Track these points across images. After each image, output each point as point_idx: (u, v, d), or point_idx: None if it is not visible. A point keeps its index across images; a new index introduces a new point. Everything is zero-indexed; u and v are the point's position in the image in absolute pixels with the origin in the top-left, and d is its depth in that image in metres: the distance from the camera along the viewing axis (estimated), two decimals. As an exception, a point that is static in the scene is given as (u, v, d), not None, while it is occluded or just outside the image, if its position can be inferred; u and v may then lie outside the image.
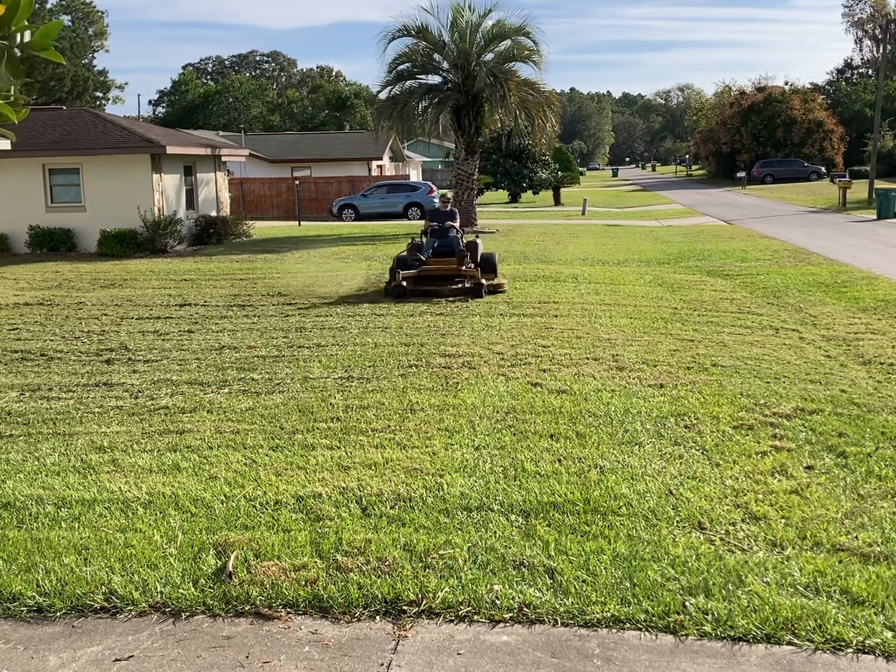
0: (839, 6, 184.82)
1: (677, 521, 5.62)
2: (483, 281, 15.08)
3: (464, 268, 15.34)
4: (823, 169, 66.31)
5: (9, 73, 2.91)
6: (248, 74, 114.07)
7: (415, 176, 54.95)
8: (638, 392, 8.72)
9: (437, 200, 40.24)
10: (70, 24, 76.75)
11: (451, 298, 14.87)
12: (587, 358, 10.28)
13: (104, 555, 5.25)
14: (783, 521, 5.62)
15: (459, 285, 15.35)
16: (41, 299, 15.95)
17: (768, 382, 9.13)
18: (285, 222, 37.17)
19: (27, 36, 3.02)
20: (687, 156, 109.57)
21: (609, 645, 4.30)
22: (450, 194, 16.91)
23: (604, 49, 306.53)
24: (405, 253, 15.94)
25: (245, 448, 7.22)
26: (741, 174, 64.31)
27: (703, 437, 7.30)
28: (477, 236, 16.60)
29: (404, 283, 14.95)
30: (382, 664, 4.16)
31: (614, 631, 4.41)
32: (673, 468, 6.59)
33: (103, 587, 4.85)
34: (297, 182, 39.37)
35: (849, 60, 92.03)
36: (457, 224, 16.66)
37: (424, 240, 16.51)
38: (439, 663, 4.17)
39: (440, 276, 15.51)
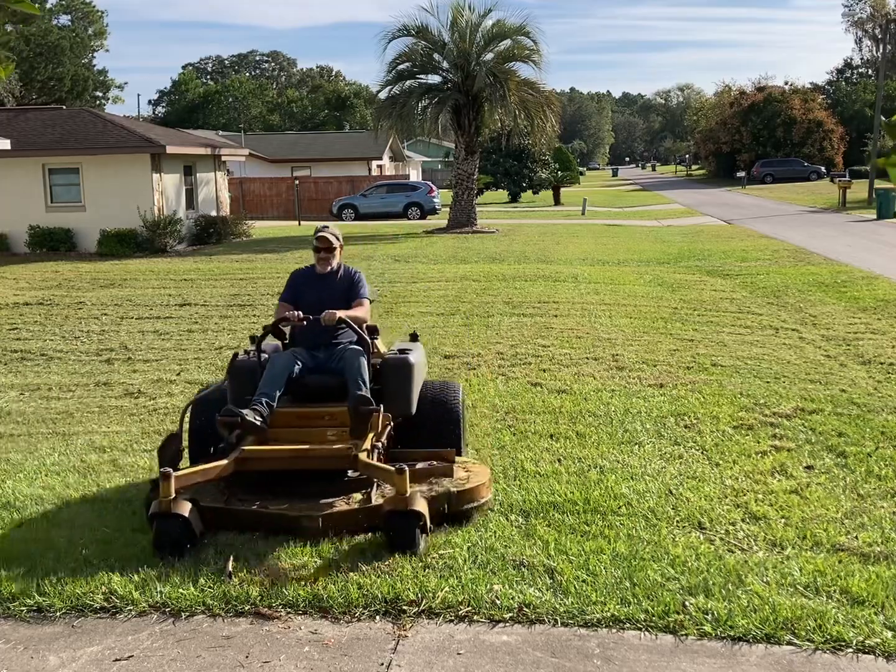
0: (839, 6, 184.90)
1: (677, 521, 5.62)
2: (416, 505, 5.18)
3: (365, 451, 5.57)
4: (823, 169, 66.26)
5: None
6: (247, 74, 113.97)
7: (415, 176, 54.94)
8: (638, 392, 8.72)
9: (437, 199, 40.18)
10: (70, 23, 76.71)
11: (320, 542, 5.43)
12: (587, 358, 10.28)
13: (104, 554, 5.24)
14: (783, 521, 5.62)
15: (350, 499, 5.61)
16: (41, 299, 15.95)
17: (768, 382, 9.13)
18: (285, 222, 37.16)
19: None
20: (687, 156, 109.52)
21: (609, 645, 4.30)
22: (334, 228, 6.63)
23: (604, 49, 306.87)
24: (214, 389, 6.46)
25: (245, 448, 7.20)
26: (741, 174, 64.28)
27: (703, 437, 7.30)
28: (414, 338, 6.77)
29: (184, 512, 5.19)
30: (382, 664, 4.16)
31: (614, 631, 4.41)
32: (673, 468, 6.59)
33: (103, 587, 4.85)
34: (296, 182, 39.36)
35: (849, 60, 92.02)
36: (363, 307, 6.34)
37: (276, 346, 6.46)
38: (439, 663, 4.17)
39: (297, 472, 5.67)
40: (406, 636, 4.39)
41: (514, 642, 4.34)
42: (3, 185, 24.86)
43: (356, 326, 6.10)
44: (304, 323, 6.07)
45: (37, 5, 62.15)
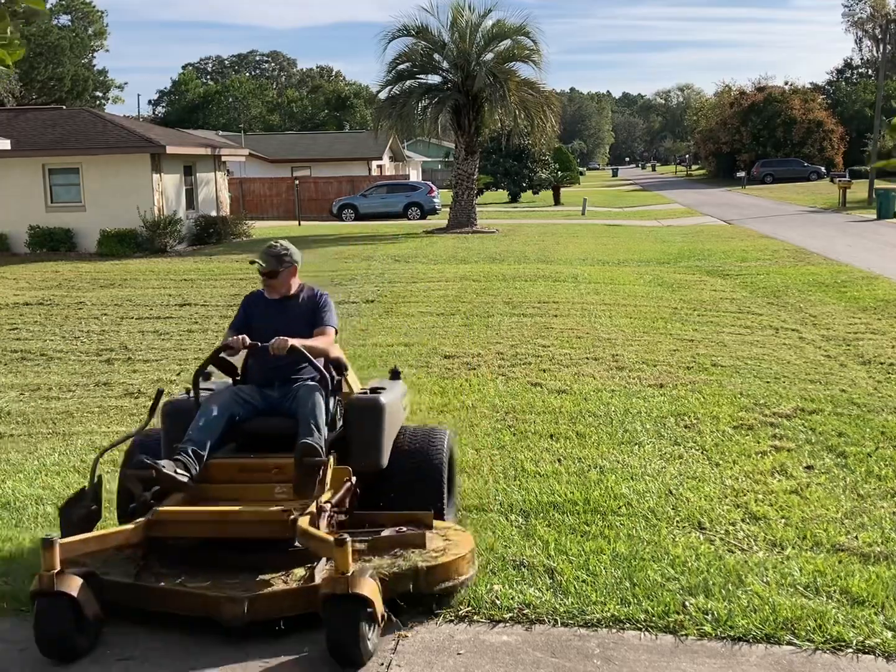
0: (839, 6, 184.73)
1: (677, 521, 5.62)
2: (360, 588, 4.01)
3: (310, 514, 4.45)
4: (823, 169, 66.26)
5: None
6: (247, 74, 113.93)
7: (415, 176, 54.96)
8: (638, 392, 8.72)
9: (437, 199, 40.17)
10: (70, 23, 76.72)
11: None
12: (587, 358, 10.28)
13: (104, 555, 5.23)
14: (783, 521, 5.62)
15: (290, 575, 4.46)
16: (41, 299, 15.95)
17: (768, 382, 9.13)
18: (285, 222, 37.18)
19: None
20: (687, 156, 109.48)
21: (609, 645, 4.30)
22: (282, 247, 5.33)
23: (604, 49, 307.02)
24: (138, 441, 5.42)
25: (245, 448, 7.20)
26: (741, 174, 64.27)
27: (703, 437, 7.30)
28: (395, 375, 5.83)
29: (71, 590, 4.12)
30: (382, 664, 4.16)
31: (614, 631, 4.41)
32: (673, 468, 6.59)
33: (103, 587, 4.84)
34: (296, 182, 39.36)
35: (849, 60, 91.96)
36: (326, 336, 5.27)
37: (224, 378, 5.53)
38: (439, 663, 4.17)
39: (225, 541, 4.60)
40: (406, 636, 4.39)
41: (514, 642, 4.34)
42: (3, 185, 24.87)
43: (312, 358, 4.98)
44: (253, 349, 5.05)
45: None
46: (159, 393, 5.09)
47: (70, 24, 76.60)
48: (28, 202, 24.91)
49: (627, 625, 4.44)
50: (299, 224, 35.43)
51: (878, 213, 32.63)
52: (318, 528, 4.38)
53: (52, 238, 24.68)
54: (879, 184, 38.75)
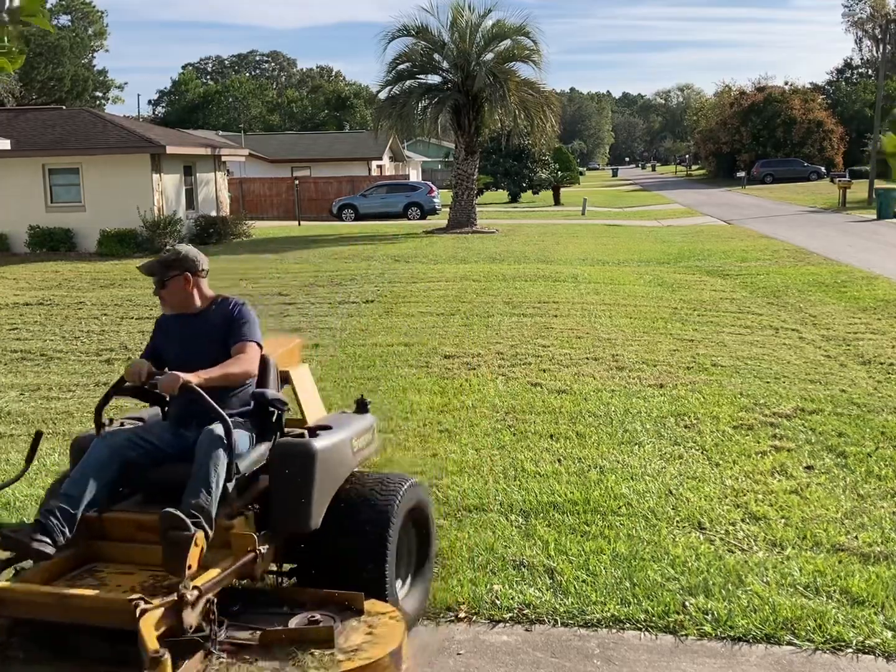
0: (839, 6, 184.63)
1: (677, 521, 5.63)
2: None
3: (168, 604, 3.35)
4: (823, 169, 66.24)
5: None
6: (247, 74, 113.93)
7: (415, 176, 54.94)
8: (638, 392, 8.72)
9: (437, 199, 40.19)
10: (70, 23, 76.72)
11: None
12: (587, 358, 10.28)
13: (104, 555, 5.23)
14: (783, 521, 5.62)
15: None
16: (41, 299, 15.95)
17: (768, 382, 9.13)
18: (285, 222, 37.18)
19: (17, 1, 3.00)
20: (687, 156, 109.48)
21: (609, 645, 4.30)
22: (174, 252, 4.30)
23: (604, 49, 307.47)
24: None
25: (245, 448, 7.19)
26: (741, 174, 64.26)
27: (703, 437, 7.30)
28: (361, 407, 4.75)
29: None
30: (382, 664, 4.15)
31: (614, 631, 4.41)
32: (673, 468, 6.59)
33: (103, 587, 4.83)
34: (296, 182, 39.36)
35: (849, 60, 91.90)
36: (245, 355, 4.20)
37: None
38: (439, 663, 4.17)
39: (76, 628, 3.51)
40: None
41: (514, 642, 4.34)
42: (3, 185, 24.87)
43: (208, 398, 3.89)
44: (150, 384, 4.07)
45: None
46: (37, 435, 4.20)
47: (70, 24, 76.58)
48: (28, 202, 24.91)
49: (627, 625, 4.44)
50: (299, 224, 35.43)
51: (878, 213, 32.62)
52: (180, 620, 3.37)
53: (52, 238, 24.69)
54: (879, 184, 38.69)
